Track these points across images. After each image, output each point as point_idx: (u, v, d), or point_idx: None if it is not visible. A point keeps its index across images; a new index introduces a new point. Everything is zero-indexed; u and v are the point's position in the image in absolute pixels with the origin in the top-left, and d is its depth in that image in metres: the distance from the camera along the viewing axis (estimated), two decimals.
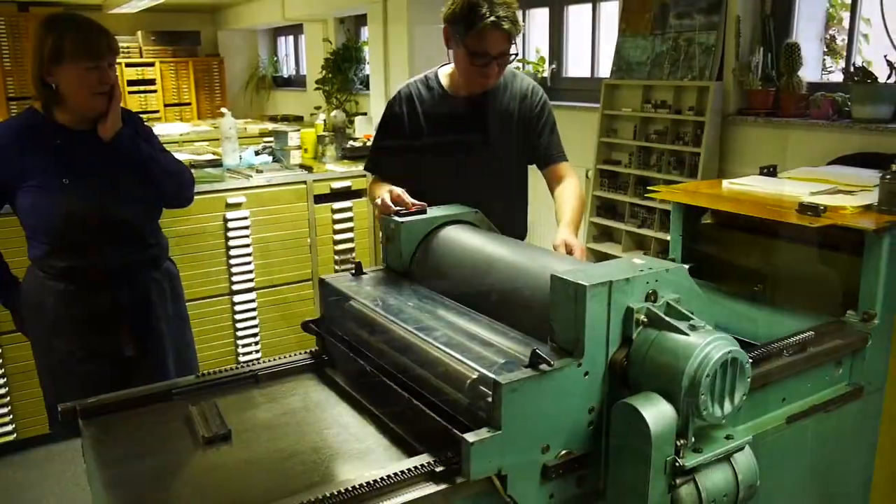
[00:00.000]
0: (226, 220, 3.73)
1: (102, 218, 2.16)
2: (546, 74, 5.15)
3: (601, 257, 4.46)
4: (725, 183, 2.31)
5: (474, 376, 1.29)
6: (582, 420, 1.30)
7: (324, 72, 6.97)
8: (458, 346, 1.42)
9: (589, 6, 4.86)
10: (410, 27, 5.50)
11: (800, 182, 2.27)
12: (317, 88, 7.07)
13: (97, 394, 1.70)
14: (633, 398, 1.24)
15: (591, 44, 4.87)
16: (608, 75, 4.28)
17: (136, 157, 2.19)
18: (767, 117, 3.47)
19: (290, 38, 9.31)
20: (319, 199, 4.01)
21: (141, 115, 2.43)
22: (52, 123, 2.12)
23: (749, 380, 1.30)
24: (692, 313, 1.32)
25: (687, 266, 1.39)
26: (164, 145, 2.42)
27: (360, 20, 7.14)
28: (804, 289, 2.04)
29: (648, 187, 3.46)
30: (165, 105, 8.87)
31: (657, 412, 1.22)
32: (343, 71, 6.86)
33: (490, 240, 1.80)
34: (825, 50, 3.67)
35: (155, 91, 8.85)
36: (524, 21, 5.45)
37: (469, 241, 1.80)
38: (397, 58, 5.58)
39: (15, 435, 3.35)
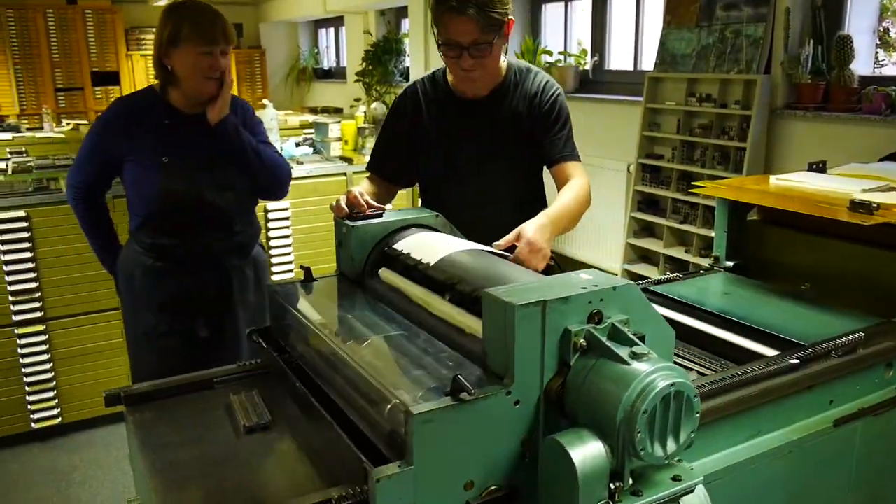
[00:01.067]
0: (266, 211, 3.76)
1: (193, 199, 2.22)
2: (588, 67, 5.10)
3: (641, 254, 4.41)
4: (773, 178, 2.25)
5: (392, 403, 1.15)
6: (512, 453, 1.16)
7: (364, 63, 7.00)
8: (389, 365, 1.29)
9: None
10: None
11: (850, 179, 2.20)
12: (357, 80, 7.10)
13: (171, 368, 1.74)
14: (562, 434, 1.10)
15: (635, 36, 4.80)
16: (651, 68, 4.22)
17: (237, 145, 2.23)
18: (817, 112, 3.39)
19: (331, 30, 9.36)
20: None
21: (251, 107, 2.45)
22: (165, 103, 2.21)
23: (698, 416, 1.14)
24: (643, 338, 1.18)
25: (629, 282, 1.23)
26: None
27: (401, 12, 7.14)
28: (853, 288, 1.99)
29: (692, 182, 3.41)
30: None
31: (586, 451, 1.07)
32: (383, 63, 6.88)
33: (447, 246, 1.64)
34: (878, 43, 3.57)
35: None
36: (566, 13, 5.40)
37: (423, 246, 1.66)
38: (436, 51, 5.57)
39: (60, 419, 3.42)
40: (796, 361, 1.54)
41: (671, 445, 1.11)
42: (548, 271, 1.81)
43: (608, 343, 1.14)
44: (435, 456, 1.09)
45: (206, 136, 2.21)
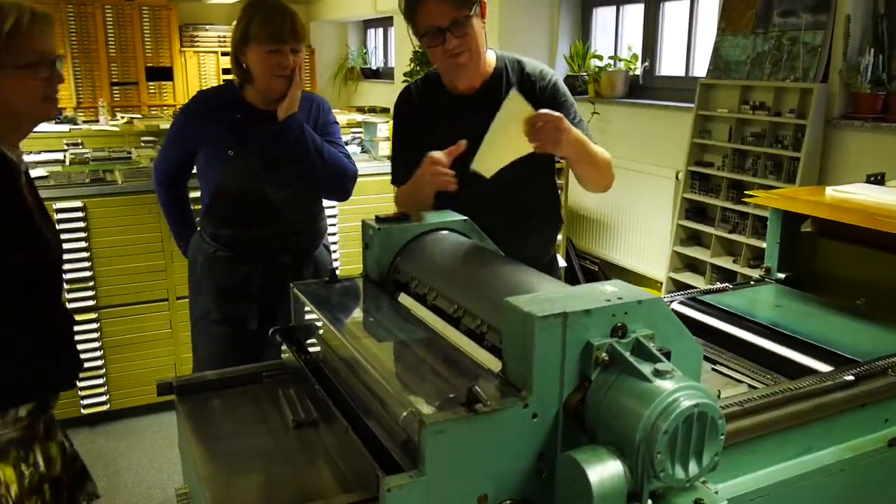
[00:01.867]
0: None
1: (251, 195, 2.27)
2: (638, 72, 5.05)
3: (687, 262, 4.36)
4: (829, 190, 2.21)
5: (408, 410, 1.13)
6: (528, 468, 1.13)
7: (412, 64, 7.02)
8: (408, 372, 1.27)
9: (686, 3, 4.73)
10: (501, 20, 5.49)
11: None
12: (404, 81, 7.13)
13: (222, 356, 1.77)
14: (579, 451, 1.07)
15: (687, 41, 4.74)
16: (704, 74, 4.17)
17: (301, 143, 2.25)
18: (875, 122, 3.31)
19: (380, 30, 9.42)
20: None
21: (328, 106, 2.48)
22: (240, 99, 2.27)
23: (722, 438, 1.09)
24: (668, 354, 1.15)
25: (655, 296, 1.17)
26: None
27: None
28: None
29: (745, 192, 3.36)
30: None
31: (603, 470, 1.04)
32: (431, 64, 6.90)
33: (473, 252, 1.63)
34: None
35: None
36: (617, 17, 5.36)
37: (449, 252, 1.64)
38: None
39: (108, 405, 3.51)
40: (851, 378, 1.51)
41: (693, 468, 1.08)
42: (591, 276, 1.78)
43: (631, 358, 1.11)
44: (448, 467, 1.07)
45: (274, 133, 2.25)
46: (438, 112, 2.08)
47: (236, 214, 2.31)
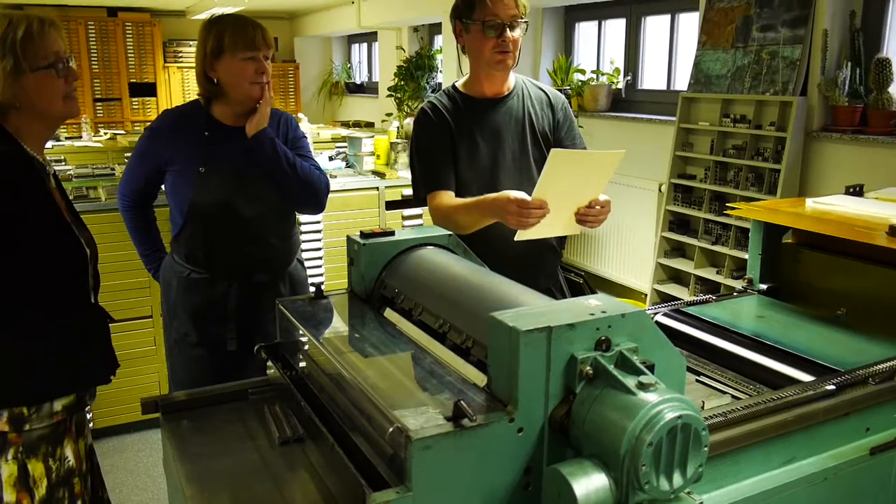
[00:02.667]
0: (298, 225, 3.80)
1: (225, 211, 2.25)
2: (621, 86, 5.10)
3: (671, 274, 4.39)
4: (809, 201, 2.24)
5: (393, 427, 1.13)
6: (515, 482, 1.14)
7: (396, 79, 7.06)
8: (394, 387, 1.27)
9: (667, 17, 4.79)
10: None
11: (889, 203, 2.18)
12: (389, 95, 7.16)
13: (201, 378, 1.75)
14: (565, 465, 1.08)
15: (669, 56, 4.80)
16: (685, 88, 4.21)
17: (273, 158, 2.24)
18: (854, 135, 3.35)
19: (364, 45, 9.46)
20: (391, 205, 4.06)
21: (295, 121, 2.48)
22: (208, 116, 2.27)
23: (706, 449, 1.11)
24: (652, 367, 1.16)
25: (639, 309, 1.18)
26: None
27: (434, 28, 7.21)
28: (891, 314, 1.96)
29: (727, 204, 3.39)
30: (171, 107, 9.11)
31: (589, 483, 1.05)
32: (415, 79, 6.93)
33: (458, 267, 1.64)
34: None
35: None
36: (599, 32, 5.42)
37: (435, 267, 1.66)
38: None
39: (92, 423, 3.47)
40: (833, 387, 1.52)
41: (678, 479, 1.09)
42: (577, 288, 1.85)
43: (615, 371, 1.12)
44: (435, 482, 1.07)
45: (243, 149, 2.24)
46: (464, 118, 2.21)
47: (211, 233, 2.28)
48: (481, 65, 2.19)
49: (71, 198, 3.39)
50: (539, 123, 2.26)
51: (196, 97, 2.35)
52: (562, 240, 2.37)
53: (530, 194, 1.97)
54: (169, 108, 2.46)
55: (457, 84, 2.29)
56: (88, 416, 3.42)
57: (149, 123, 2.40)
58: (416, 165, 2.28)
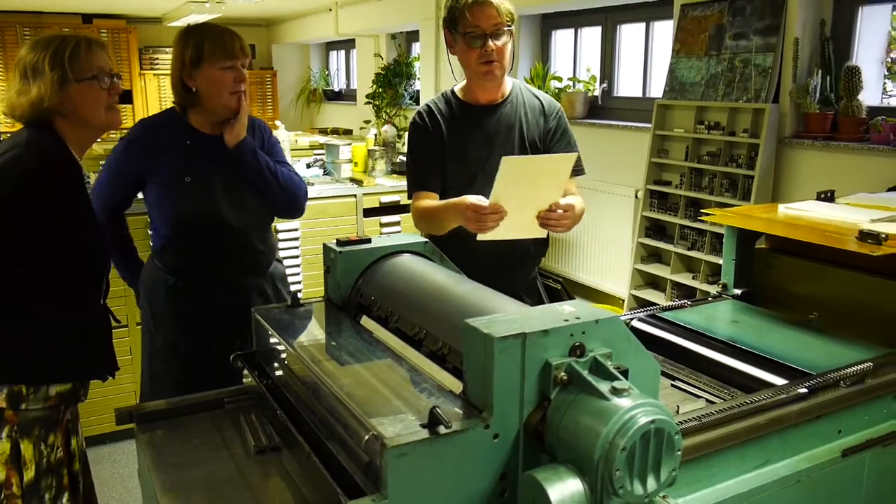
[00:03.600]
0: (276, 232, 3.79)
1: (212, 219, 2.25)
2: (597, 93, 5.13)
3: (648, 279, 4.42)
4: (781, 207, 2.27)
5: (369, 434, 1.14)
6: (491, 488, 1.15)
7: (374, 86, 7.06)
8: (369, 395, 1.28)
9: (642, 25, 4.84)
10: None
11: (859, 209, 2.22)
12: (367, 102, 7.16)
13: (187, 384, 1.75)
14: (540, 470, 1.09)
15: (644, 63, 4.84)
16: (660, 95, 4.25)
17: (255, 167, 2.26)
18: (825, 141, 3.40)
19: (342, 52, 9.45)
20: (368, 212, 4.06)
21: (268, 127, 2.49)
22: (186, 125, 2.26)
23: (679, 453, 1.12)
24: (626, 372, 1.18)
25: (613, 315, 1.17)
26: None
27: (412, 36, 7.22)
28: (862, 318, 1.99)
29: (701, 210, 3.43)
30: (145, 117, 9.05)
31: (563, 489, 1.05)
32: (393, 86, 6.94)
33: (434, 274, 1.66)
34: (886, 73, 3.59)
35: None
36: (575, 39, 5.46)
37: (411, 274, 1.67)
38: (448, 74, 5.63)
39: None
40: (805, 391, 1.55)
41: (651, 483, 1.10)
42: (555, 294, 1.89)
43: (589, 377, 1.13)
44: (411, 489, 1.08)
45: (225, 157, 2.24)
46: (459, 124, 2.26)
47: (198, 242, 2.28)
48: (471, 74, 2.23)
49: None
50: (530, 132, 2.29)
51: (171, 105, 2.33)
52: (542, 246, 2.40)
53: None
54: (144, 117, 2.44)
55: (455, 89, 2.33)
56: None
57: (124, 134, 2.36)
58: (408, 167, 2.37)
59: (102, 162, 4.64)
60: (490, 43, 2.12)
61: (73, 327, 1.82)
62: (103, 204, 2.32)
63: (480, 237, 1.98)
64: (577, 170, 2.26)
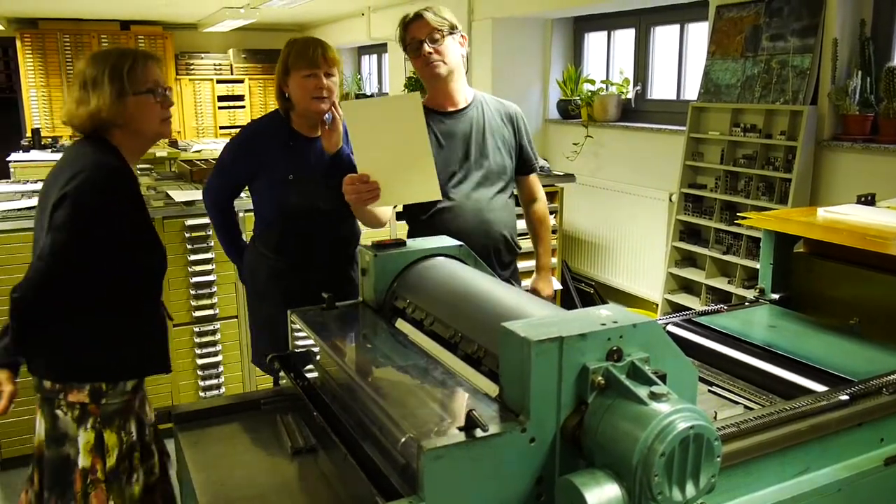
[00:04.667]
0: None
1: (311, 211, 2.46)
2: (630, 96, 5.10)
3: (682, 284, 4.38)
4: (821, 211, 2.23)
5: (405, 437, 1.14)
6: (527, 492, 1.14)
7: (406, 89, 7.09)
8: (405, 397, 1.28)
9: (676, 27, 4.80)
10: (494, 46, 5.55)
11: None
12: None
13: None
14: (577, 475, 1.08)
15: (678, 66, 4.80)
16: (695, 98, 4.21)
17: (349, 171, 2.40)
18: (865, 143, 3.34)
19: (374, 56, 9.50)
20: (401, 215, 4.05)
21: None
22: (289, 127, 2.49)
23: (719, 459, 1.11)
24: (664, 377, 1.16)
25: (650, 319, 1.17)
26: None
27: None
28: None
29: (737, 213, 3.39)
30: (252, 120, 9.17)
31: (601, 494, 1.05)
32: (424, 89, 6.96)
33: (469, 277, 1.66)
34: None
35: (243, 107, 9.18)
36: (608, 42, 5.43)
37: (446, 277, 1.68)
38: (480, 77, 5.63)
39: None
40: (846, 398, 1.52)
41: (690, 490, 1.09)
42: (587, 298, 1.91)
43: (627, 382, 1.12)
44: (447, 492, 1.08)
45: (323, 158, 2.45)
46: (436, 126, 2.40)
47: (298, 230, 2.49)
48: (425, 81, 2.43)
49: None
50: (499, 131, 2.46)
51: (270, 112, 2.59)
52: (512, 232, 2.53)
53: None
54: (251, 121, 2.73)
55: (425, 102, 2.49)
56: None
57: (233, 136, 2.66)
58: None
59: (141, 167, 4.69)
60: (426, 46, 2.31)
61: (140, 329, 1.98)
62: (214, 198, 2.62)
63: (377, 205, 2.10)
64: (534, 167, 2.60)
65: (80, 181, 1.81)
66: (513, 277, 2.57)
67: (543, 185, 2.95)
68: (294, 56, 2.40)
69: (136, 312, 1.97)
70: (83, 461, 1.88)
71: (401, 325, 1.65)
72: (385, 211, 2.29)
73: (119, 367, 1.92)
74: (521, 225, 2.64)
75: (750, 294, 2.35)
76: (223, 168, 2.61)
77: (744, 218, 2.37)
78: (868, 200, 2.33)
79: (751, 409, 1.61)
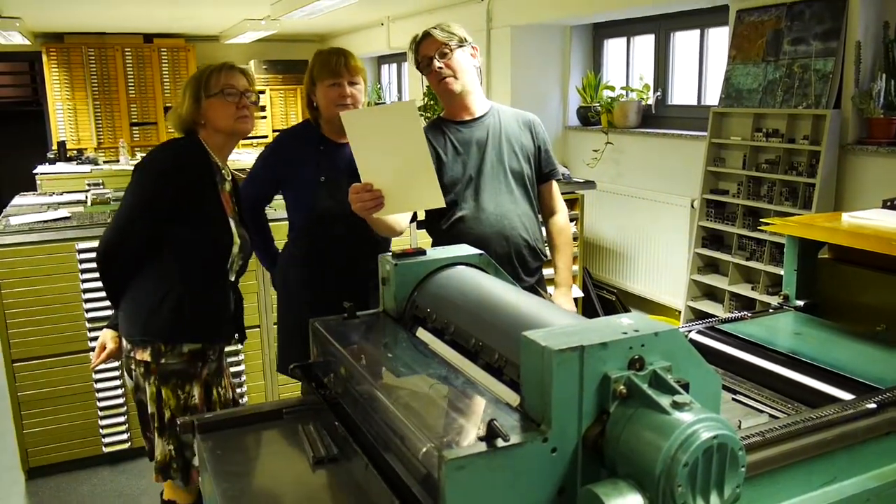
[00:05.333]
0: None
1: (342, 214, 2.45)
2: (650, 102, 5.08)
3: (705, 290, 4.34)
4: (845, 216, 2.21)
5: (427, 447, 1.13)
6: (549, 502, 1.13)
7: (425, 99, 7.11)
8: (426, 407, 1.28)
9: (696, 32, 4.77)
10: (513, 53, 5.55)
11: None
12: (419, 115, 7.21)
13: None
14: (599, 485, 1.07)
15: (699, 71, 4.77)
16: (716, 103, 4.19)
17: None
18: (890, 147, 3.30)
19: (394, 65, 9.54)
20: (421, 224, 4.06)
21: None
22: (319, 134, 2.60)
23: (743, 469, 1.09)
24: (686, 386, 1.16)
25: (672, 328, 1.16)
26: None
27: None
28: None
29: (760, 219, 3.36)
30: (274, 130, 9.24)
31: (624, 503, 1.04)
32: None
33: (490, 286, 1.66)
34: None
35: (265, 117, 9.26)
36: (628, 48, 5.41)
37: (466, 286, 1.67)
38: (499, 85, 5.63)
39: (130, 443, 3.52)
40: (874, 406, 1.49)
41: (714, 500, 1.07)
42: (609, 306, 1.89)
43: (649, 391, 1.11)
44: (469, 502, 1.07)
45: (352, 162, 2.43)
46: (447, 136, 2.45)
47: (329, 234, 2.54)
48: (440, 95, 2.47)
49: (109, 221, 3.49)
50: (517, 137, 2.47)
51: (303, 119, 2.71)
52: (541, 241, 2.52)
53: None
54: (283, 129, 2.85)
55: (441, 114, 2.56)
56: (126, 437, 3.48)
57: (268, 143, 2.78)
58: None
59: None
60: (436, 64, 2.36)
61: (200, 298, 2.21)
62: (246, 196, 2.62)
63: (379, 215, 2.10)
64: (556, 172, 2.56)
65: (147, 155, 2.26)
66: (539, 285, 2.55)
67: (564, 193, 2.94)
68: (319, 67, 2.50)
69: (198, 283, 2.21)
70: (150, 408, 2.23)
71: (421, 334, 1.65)
72: (399, 220, 2.30)
73: (175, 331, 2.18)
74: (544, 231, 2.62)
75: (774, 301, 2.32)
76: (255, 175, 2.68)
77: (767, 224, 2.35)
78: (894, 205, 2.30)
79: (776, 417, 1.59)
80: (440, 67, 2.36)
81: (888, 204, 2.30)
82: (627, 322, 1.20)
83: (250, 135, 2.44)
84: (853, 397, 1.56)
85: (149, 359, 2.19)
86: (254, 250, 2.76)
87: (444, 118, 2.49)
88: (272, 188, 2.70)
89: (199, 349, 2.24)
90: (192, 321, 2.19)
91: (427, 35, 2.41)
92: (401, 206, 2.11)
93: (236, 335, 2.44)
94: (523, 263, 2.46)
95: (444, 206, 2.18)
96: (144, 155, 2.21)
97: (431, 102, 7.03)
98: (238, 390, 3.61)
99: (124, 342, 2.26)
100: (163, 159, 2.23)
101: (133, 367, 2.24)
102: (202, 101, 2.22)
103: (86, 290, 3.31)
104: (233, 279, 2.35)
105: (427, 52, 2.40)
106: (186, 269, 2.19)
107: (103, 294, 3.32)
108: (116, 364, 3.40)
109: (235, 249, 2.28)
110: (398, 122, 2.02)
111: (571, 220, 4.49)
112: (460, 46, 2.39)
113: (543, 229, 2.60)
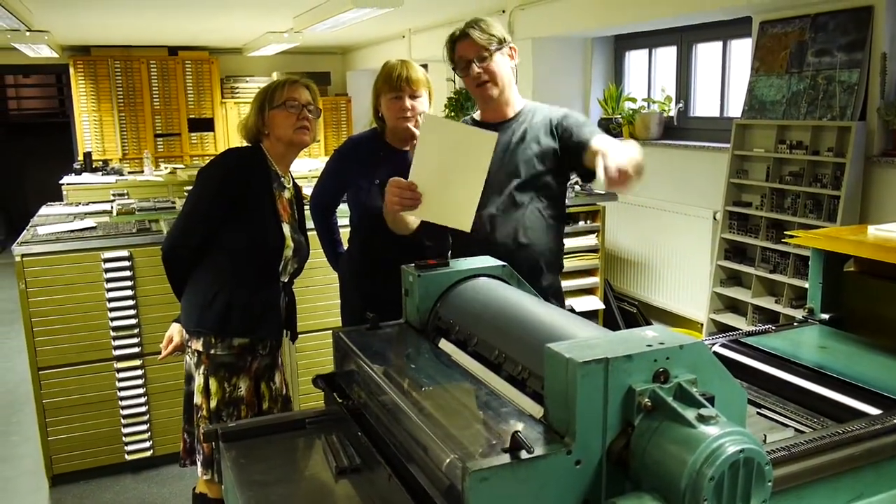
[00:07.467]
0: None
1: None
2: (672, 114, 5.06)
3: (728, 303, 4.30)
4: (871, 229, 2.18)
5: (450, 458, 1.13)
6: None
7: (446, 110, 7.14)
8: (449, 418, 1.28)
9: (718, 44, 4.76)
10: (535, 65, 5.56)
11: None
12: None
13: None
14: (624, 498, 1.07)
15: (721, 83, 4.75)
16: (739, 115, 4.16)
17: None
18: None
19: None
20: None
21: None
22: (382, 141, 2.73)
23: (770, 484, 1.08)
24: (712, 399, 1.15)
25: (697, 340, 1.16)
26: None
27: None
28: None
29: (784, 231, 3.33)
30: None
31: None
32: (465, 110, 6.99)
33: (513, 298, 1.65)
34: None
35: None
36: (650, 60, 5.41)
37: (489, 297, 1.67)
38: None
39: (152, 451, 3.55)
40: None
41: None
42: (630, 318, 1.85)
43: (674, 404, 1.10)
44: None
45: (408, 168, 2.52)
46: None
47: (382, 233, 2.53)
48: (476, 98, 2.45)
49: (134, 230, 3.54)
50: (539, 143, 2.36)
51: (371, 128, 2.82)
52: (557, 253, 2.45)
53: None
54: (352, 135, 2.99)
55: (474, 115, 2.55)
56: (148, 445, 3.51)
57: (336, 148, 2.92)
58: None
59: (187, 188, 4.83)
60: (475, 68, 2.31)
61: (251, 296, 2.34)
62: (317, 199, 2.85)
63: (406, 216, 2.15)
64: (592, 134, 2.23)
65: (211, 160, 2.44)
66: (554, 297, 2.51)
67: (584, 205, 2.92)
68: (382, 80, 2.62)
69: (248, 281, 2.34)
70: (197, 399, 2.36)
71: (444, 345, 1.66)
72: (415, 221, 2.30)
73: (224, 325, 2.31)
74: (566, 243, 2.58)
75: (798, 314, 2.30)
76: (325, 175, 2.84)
77: (792, 236, 2.33)
78: None
79: (802, 432, 1.57)
80: (479, 73, 2.31)
81: None
82: (652, 334, 1.19)
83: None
84: (880, 412, 1.54)
85: (201, 349, 2.33)
86: (323, 248, 2.93)
87: (477, 120, 2.46)
88: (338, 190, 2.84)
89: (248, 343, 2.36)
90: (239, 317, 2.32)
91: (466, 35, 2.33)
92: (431, 214, 2.12)
93: (287, 333, 2.59)
94: (535, 273, 2.37)
95: (469, 231, 2.12)
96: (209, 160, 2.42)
97: (452, 114, 7.06)
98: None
99: (184, 332, 2.41)
100: (223, 164, 2.39)
101: (189, 356, 2.40)
102: (266, 112, 2.36)
103: (111, 300, 3.35)
104: (286, 280, 2.48)
105: (465, 54, 2.33)
106: (238, 268, 2.33)
107: (128, 304, 3.41)
108: (139, 372, 3.44)
109: (288, 253, 2.41)
110: (472, 146, 2.04)
111: (592, 233, 4.49)
112: (499, 49, 2.33)
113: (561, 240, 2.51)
